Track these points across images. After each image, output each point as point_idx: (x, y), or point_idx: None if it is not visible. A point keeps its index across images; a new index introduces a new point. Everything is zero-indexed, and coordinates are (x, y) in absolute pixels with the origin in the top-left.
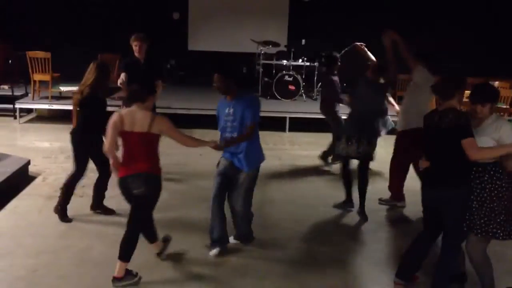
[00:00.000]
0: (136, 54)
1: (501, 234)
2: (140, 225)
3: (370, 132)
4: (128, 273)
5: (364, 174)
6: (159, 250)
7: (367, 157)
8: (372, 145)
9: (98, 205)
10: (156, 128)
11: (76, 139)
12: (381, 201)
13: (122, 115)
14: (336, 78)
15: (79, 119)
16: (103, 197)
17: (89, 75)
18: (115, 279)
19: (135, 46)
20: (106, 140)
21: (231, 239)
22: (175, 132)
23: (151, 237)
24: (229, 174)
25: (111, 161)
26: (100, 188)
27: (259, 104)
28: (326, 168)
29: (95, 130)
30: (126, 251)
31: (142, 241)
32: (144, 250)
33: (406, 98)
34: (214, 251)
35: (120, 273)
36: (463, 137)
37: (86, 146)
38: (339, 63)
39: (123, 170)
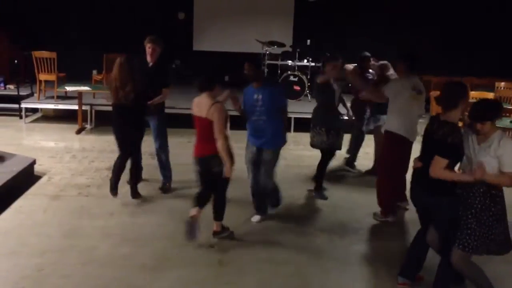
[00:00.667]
0: (148, 56)
1: (496, 250)
2: (225, 192)
3: (331, 124)
4: (224, 229)
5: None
6: (214, 229)
7: (332, 148)
8: (333, 137)
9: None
10: (210, 114)
11: (132, 130)
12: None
13: (195, 101)
14: (369, 75)
15: (129, 113)
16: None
17: (120, 72)
18: (215, 233)
19: (148, 48)
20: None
21: (255, 218)
22: (217, 124)
23: (215, 214)
24: (258, 158)
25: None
26: (120, 170)
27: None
28: (331, 168)
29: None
30: (218, 213)
31: (146, 241)
32: (150, 248)
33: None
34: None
35: (218, 228)
36: (439, 153)
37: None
38: (371, 61)
39: (198, 150)
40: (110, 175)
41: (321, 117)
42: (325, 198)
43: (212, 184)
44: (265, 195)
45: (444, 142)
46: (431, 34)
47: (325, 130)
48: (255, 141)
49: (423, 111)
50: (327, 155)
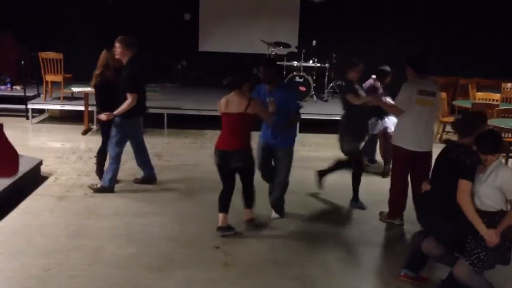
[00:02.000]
0: (117, 56)
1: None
2: (252, 181)
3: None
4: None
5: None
6: (248, 218)
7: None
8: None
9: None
10: (251, 109)
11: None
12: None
13: (223, 101)
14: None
15: (97, 99)
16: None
17: (99, 61)
18: (251, 220)
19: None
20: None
21: (273, 215)
22: (264, 113)
23: (248, 203)
24: (268, 156)
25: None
26: (103, 156)
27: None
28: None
29: (108, 106)
30: (249, 200)
31: (152, 241)
32: (156, 249)
33: None
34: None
35: (251, 215)
36: (462, 176)
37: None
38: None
39: (232, 144)
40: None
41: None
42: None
43: (234, 176)
44: (280, 195)
45: (463, 163)
46: (437, 35)
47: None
48: (268, 141)
49: (438, 112)
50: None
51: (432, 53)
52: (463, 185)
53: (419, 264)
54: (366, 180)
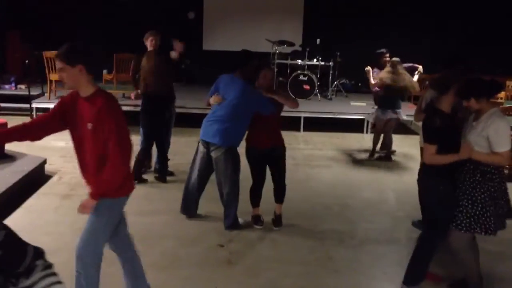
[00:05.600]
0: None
1: (490, 230)
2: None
3: None
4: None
5: None
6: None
7: None
8: None
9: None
10: None
11: None
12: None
13: None
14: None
15: None
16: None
17: None
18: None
19: (151, 41)
20: None
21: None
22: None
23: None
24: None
25: None
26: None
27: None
28: (340, 167)
29: None
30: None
31: (155, 240)
32: (159, 248)
33: None
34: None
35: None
36: (425, 139)
37: None
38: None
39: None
40: None
41: None
42: None
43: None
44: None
45: (427, 127)
46: (443, 34)
47: None
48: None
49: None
50: None
51: (438, 50)
52: (426, 147)
53: (419, 276)
54: (372, 178)
